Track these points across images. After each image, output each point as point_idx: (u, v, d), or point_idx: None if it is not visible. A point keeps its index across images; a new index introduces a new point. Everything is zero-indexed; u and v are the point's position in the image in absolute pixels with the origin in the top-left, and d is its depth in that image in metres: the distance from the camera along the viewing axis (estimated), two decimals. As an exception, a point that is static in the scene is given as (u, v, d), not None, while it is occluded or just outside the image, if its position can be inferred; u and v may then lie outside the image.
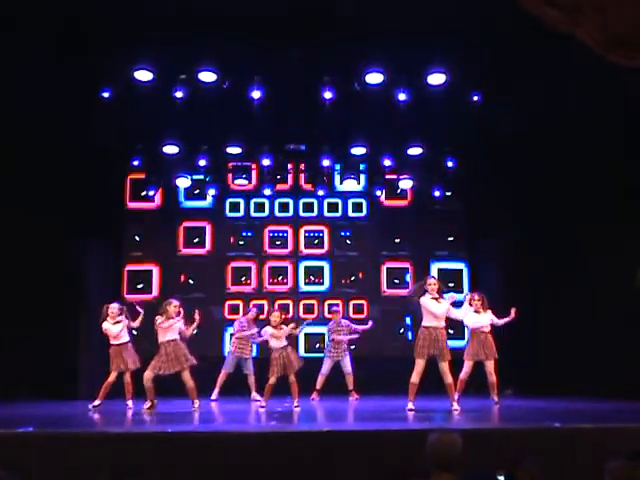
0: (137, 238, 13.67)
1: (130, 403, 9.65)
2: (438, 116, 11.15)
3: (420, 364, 8.26)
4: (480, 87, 10.54)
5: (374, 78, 10.12)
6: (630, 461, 3.38)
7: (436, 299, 8.31)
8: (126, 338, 9.78)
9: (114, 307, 9.76)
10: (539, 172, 11.59)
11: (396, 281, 13.82)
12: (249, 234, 13.88)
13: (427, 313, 8.34)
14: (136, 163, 12.63)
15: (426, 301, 8.31)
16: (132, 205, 13.74)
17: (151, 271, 13.61)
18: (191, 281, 13.59)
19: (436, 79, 10.08)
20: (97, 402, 9.35)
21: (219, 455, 5.53)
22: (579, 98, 9.95)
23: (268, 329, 9.26)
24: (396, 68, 10.09)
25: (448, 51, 9.73)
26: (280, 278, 13.78)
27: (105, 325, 9.69)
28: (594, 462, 3.49)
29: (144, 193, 13.22)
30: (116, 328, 9.65)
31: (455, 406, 8.31)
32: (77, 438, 5.82)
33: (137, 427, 7.20)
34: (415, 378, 8.29)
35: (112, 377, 9.60)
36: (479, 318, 9.57)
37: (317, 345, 13.20)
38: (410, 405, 8.25)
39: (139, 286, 13.46)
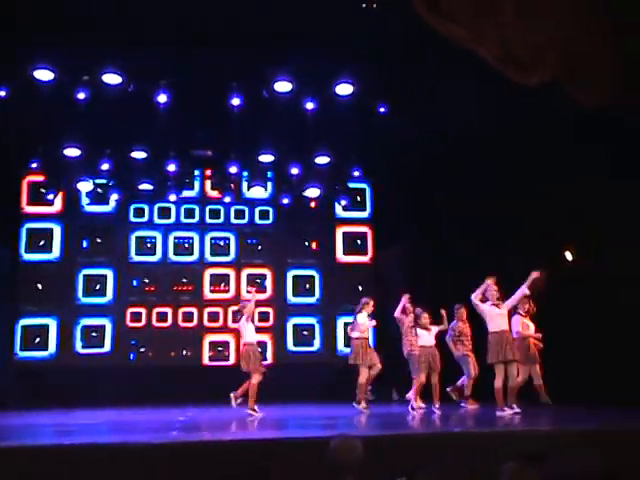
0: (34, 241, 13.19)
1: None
2: (346, 125, 11.29)
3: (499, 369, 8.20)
4: (386, 99, 10.76)
5: (283, 86, 10.16)
6: (523, 463, 3.50)
7: (497, 305, 8.36)
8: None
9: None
10: (442, 181, 11.86)
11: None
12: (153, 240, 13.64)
13: None
14: (35, 165, 12.16)
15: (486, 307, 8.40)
16: (29, 209, 13.23)
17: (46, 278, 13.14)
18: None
19: (344, 89, 10.23)
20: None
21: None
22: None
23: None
24: (305, 77, 10.17)
25: (355, 62, 9.89)
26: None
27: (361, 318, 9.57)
28: (489, 465, 3.60)
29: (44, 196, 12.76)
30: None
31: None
32: None
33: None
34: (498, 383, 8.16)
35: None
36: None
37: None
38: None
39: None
